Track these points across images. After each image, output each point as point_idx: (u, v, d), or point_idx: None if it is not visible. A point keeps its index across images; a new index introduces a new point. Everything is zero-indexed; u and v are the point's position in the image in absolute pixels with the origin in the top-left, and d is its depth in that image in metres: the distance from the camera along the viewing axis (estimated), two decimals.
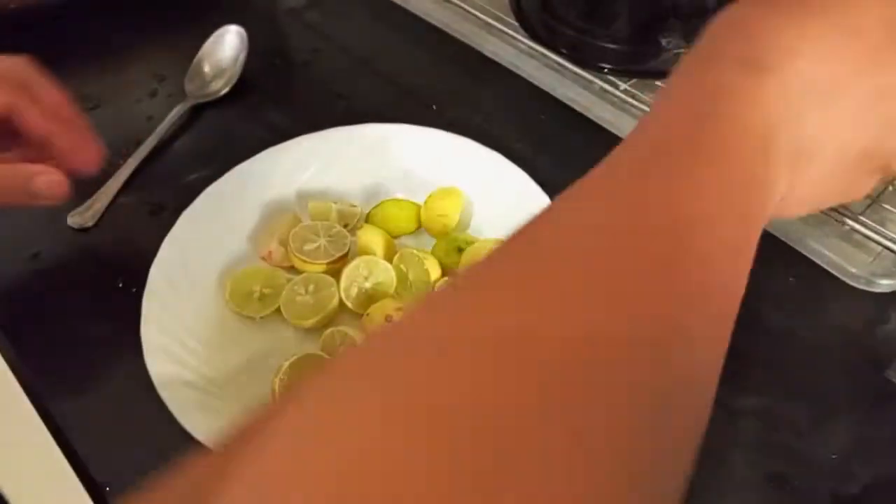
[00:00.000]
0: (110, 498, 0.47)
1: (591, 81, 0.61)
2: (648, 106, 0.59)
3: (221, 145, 0.66)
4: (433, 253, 0.55)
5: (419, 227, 0.59)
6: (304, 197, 0.59)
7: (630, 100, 0.58)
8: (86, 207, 0.61)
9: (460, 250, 0.54)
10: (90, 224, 0.61)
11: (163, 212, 0.61)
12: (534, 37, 0.64)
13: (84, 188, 0.62)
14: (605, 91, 0.60)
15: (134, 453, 0.48)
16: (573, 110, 0.63)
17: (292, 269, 0.56)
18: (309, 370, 0.48)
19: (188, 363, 0.48)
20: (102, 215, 0.61)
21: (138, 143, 0.65)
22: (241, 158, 0.59)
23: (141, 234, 0.60)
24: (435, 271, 0.53)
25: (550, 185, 0.55)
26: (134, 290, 0.53)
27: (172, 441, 0.47)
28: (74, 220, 0.61)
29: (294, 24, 0.80)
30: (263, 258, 0.56)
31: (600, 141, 0.61)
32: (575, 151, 0.63)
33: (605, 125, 0.61)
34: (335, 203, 0.58)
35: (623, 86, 0.60)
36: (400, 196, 0.59)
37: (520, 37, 0.64)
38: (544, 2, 0.67)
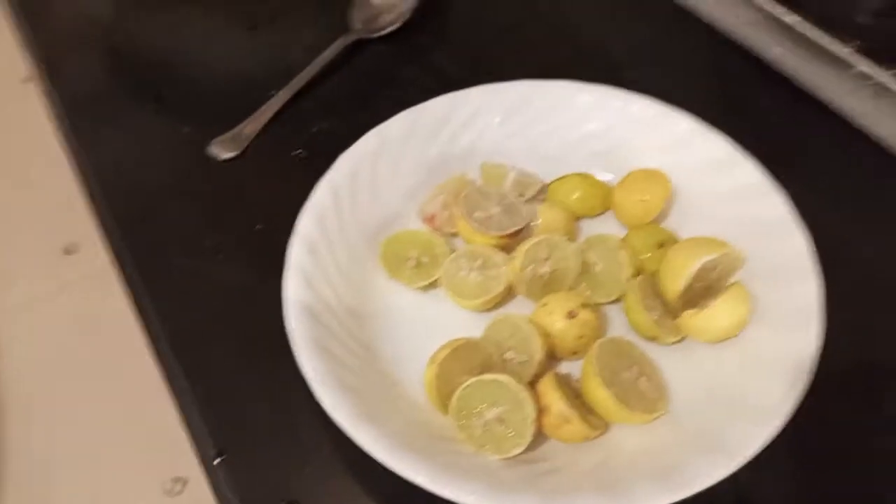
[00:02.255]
0: (224, 467, 0.40)
1: (845, 63, 0.49)
2: None
3: (383, 87, 0.59)
4: (627, 244, 0.45)
5: (604, 212, 0.49)
6: (475, 155, 0.50)
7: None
8: (229, 137, 0.55)
9: (661, 246, 0.45)
10: (232, 156, 0.54)
11: (312, 151, 0.54)
12: None
13: (229, 114, 0.56)
14: (863, 76, 0.48)
15: (259, 415, 0.42)
16: (815, 98, 0.51)
17: (454, 236, 0.48)
18: (472, 361, 0.39)
19: (331, 325, 0.41)
20: (246, 148, 0.55)
21: (291, 75, 0.58)
22: (404, 104, 0.50)
23: (286, 173, 0.53)
24: (630, 266, 0.44)
25: (783, 183, 0.44)
26: (274, 235, 0.46)
27: (302, 411, 0.40)
28: (215, 149, 0.54)
29: None
30: (425, 220, 0.47)
31: (847, 136, 0.50)
32: (817, 148, 0.52)
33: (854, 119, 0.49)
34: (512, 168, 0.49)
35: (881, 75, 0.48)
36: (588, 171, 0.50)
37: None
38: None
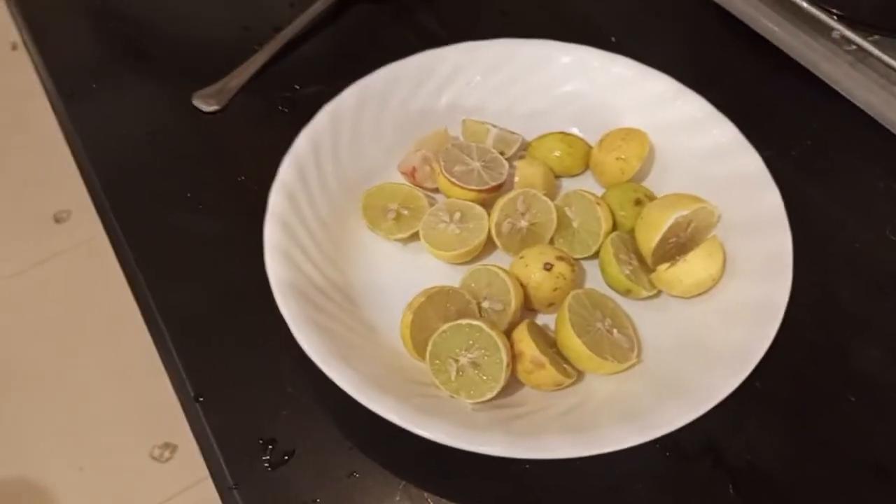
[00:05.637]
0: (202, 409, 0.41)
1: (825, 28, 0.50)
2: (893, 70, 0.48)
3: (367, 45, 0.59)
4: (604, 200, 0.46)
5: (585, 170, 0.50)
6: (456, 112, 0.51)
7: (879, 55, 0.47)
8: (213, 91, 0.55)
9: (638, 203, 0.45)
10: (215, 108, 0.54)
11: (295, 107, 0.54)
12: None
13: (214, 67, 0.56)
14: (843, 42, 0.49)
15: (239, 360, 0.42)
16: (793, 62, 0.52)
17: (435, 192, 0.48)
18: (448, 308, 0.40)
19: (310, 272, 0.41)
20: (230, 100, 0.55)
21: (277, 30, 0.58)
22: (387, 62, 0.51)
23: (270, 128, 0.53)
24: (607, 222, 0.44)
25: (758, 145, 0.45)
26: (256, 187, 0.46)
27: (282, 356, 0.41)
28: (199, 102, 0.54)
29: None
30: (405, 174, 0.48)
31: (824, 100, 0.50)
32: (792, 112, 0.52)
33: (832, 84, 0.50)
34: (494, 126, 0.49)
35: (862, 41, 0.49)
36: (568, 130, 0.50)
37: None
38: None
